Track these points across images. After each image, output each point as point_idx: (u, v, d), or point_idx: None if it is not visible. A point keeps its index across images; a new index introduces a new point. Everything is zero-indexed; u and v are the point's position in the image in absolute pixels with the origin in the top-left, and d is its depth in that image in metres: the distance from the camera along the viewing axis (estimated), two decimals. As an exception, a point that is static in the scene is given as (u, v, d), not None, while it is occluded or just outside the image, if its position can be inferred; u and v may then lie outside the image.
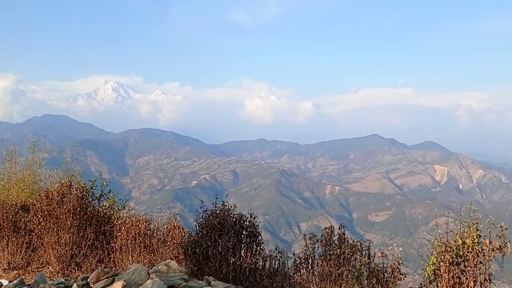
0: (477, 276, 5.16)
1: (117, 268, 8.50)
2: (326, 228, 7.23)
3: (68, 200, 9.27)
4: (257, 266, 7.57)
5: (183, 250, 7.99)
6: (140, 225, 8.76)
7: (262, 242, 7.78)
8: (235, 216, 7.61)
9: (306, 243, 7.23)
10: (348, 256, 6.80)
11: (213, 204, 7.78)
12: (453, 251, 5.26)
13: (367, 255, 6.79)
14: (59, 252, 8.98)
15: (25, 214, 10.19)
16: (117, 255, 8.70)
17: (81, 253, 9.07)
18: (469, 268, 5.16)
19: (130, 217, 9.21)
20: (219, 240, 7.35)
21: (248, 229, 7.61)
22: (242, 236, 7.57)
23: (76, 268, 8.97)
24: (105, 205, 10.57)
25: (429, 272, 5.49)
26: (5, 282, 6.94)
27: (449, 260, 5.22)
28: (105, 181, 10.94)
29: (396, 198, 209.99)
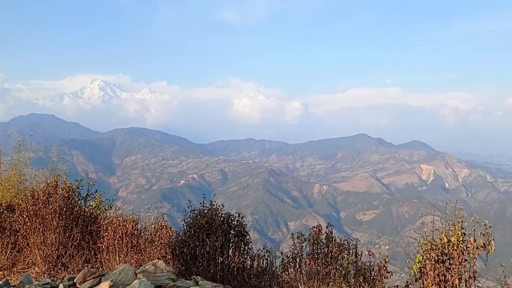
0: (462, 274, 5.22)
1: (104, 268, 8.43)
2: (314, 227, 7.26)
3: (54, 200, 9.17)
4: (245, 265, 7.57)
5: (170, 250, 7.96)
6: (127, 225, 8.70)
7: (250, 242, 7.78)
8: (223, 215, 7.60)
9: (294, 242, 7.25)
10: (336, 255, 6.84)
11: (201, 203, 7.75)
12: (439, 249, 5.32)
13: (354, 254, 6.84)
14: (45, 253, 8.88)
15: (11, 214, 10.05)
16: (104, 255, 8.64)
17: (68, 253, 8.97)
18: (454, 265, 5.22)
19: (117, 217, 9.15)
20: (207, 239, 7.33)
21: (236, 229, 7.60)
22: (230, 235, 7.57)
23: (63, 268, 8.88)
24: (92, 205, 10.48)
25: (415, 270, 5.54)
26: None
27: (434, 258, 5.28)
28: (91, 180, 10.83)
29: (383, 197, 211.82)
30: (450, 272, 5.25)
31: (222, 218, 7.55)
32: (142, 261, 8.30)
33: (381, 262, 6.27)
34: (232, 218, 7.63)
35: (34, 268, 9.04)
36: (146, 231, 9.44)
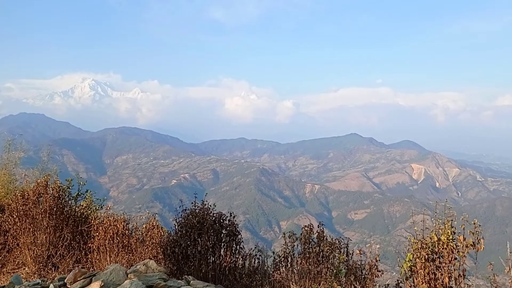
0: (452, 272, 5.26)
1: (95, 268, 8.39)
2: (305, 226, 7.28)
3: (44, 200, 9.11)
4: (237, 265, 7.58)
5: (162, 249, 7.94)
6: (118, 225, 8.67)
7: (242, 241, 7.79)
8: (215, 215, 7.60)
9: (286, 242, 7.26)
10: (327, 254, 6.86)
11: (192, 203, 7.74)
12: (429, 247, 5.36)
13: (345, 253, 6.86)
14: (35, 253, 8.82)
15: (0, 214, 9.97)
16: (95, 255, 8.60)
17: (58, 253, 8.91)
18: (444, 264, 5.26)
19: (108, 217, 9.11)
20: (199, 239, 7.33)
21: (228, 228, 7.61)
22: (222, 235, 7.57)
23: (53, 268, 8.82)
24: (82, 205, 10.42)
25: (406, 269, 5.58)
26: (-22, 284, 6.78)
27: (424, 256, 5.31)
28: (82, 180, 10.79)
29: (375, 197, 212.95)
30: (440, 270, 5.29)
31: (213, 218, 7.55)
32: (133, 261, 8.27)
33: (372, 261, 6.30)
34: (224, 218, 7.64)
35: (24, 269, 8.97)
36: (137, 231, 9.41)
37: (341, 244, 6.97)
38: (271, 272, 7.34)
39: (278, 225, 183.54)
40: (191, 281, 6.17)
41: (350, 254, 6.85)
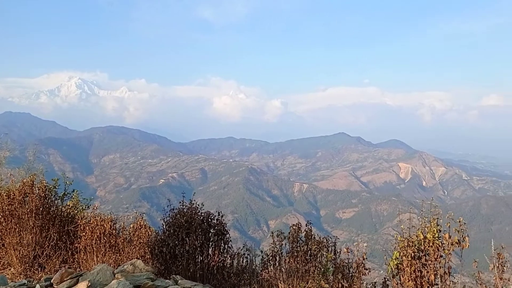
0: (438, 269, 5.33)
1: (82, 268, 8.33)
2: (293, 225, 7.30)
3: (30, 199, 9.00)
4: (225, 264, 7.58)
5: (149, 249, 7.90)
6: (105, 225, 8.61)
7: (230, 240, 7.79)
8: (203, 214, 7.58)
9: (274, 240, 7.28)
10: (315, 253, 6.89)
11: (180, 202, 7.72)
12: (415, 245, 5.42)
13: (333, 251, 6.90)
14: (21, 253, 8.71)
15: (-16, 215, 9.82)
16: (82, 256, 8.53)
17: (44, 253, 8.82)
18: (430, 261, 5.33)
19: (95, 217, 9.04)
20: (187, 238, 7.31)
21: (216, 227, 7.60)
22: (210, 234, 7.56)
23: (39, 269, 8.73)
24: (69, 205, 10.33)
25: (392, 267, 5.63)
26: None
27: (411, 254, 5.38)
28: (68, 180, 10.68)
29: (363, 195, 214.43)
30: (426, 268, 5.35)
31: (202, 217, 7.54)
32: (120, 261, 8.22)
33: (359, 259, 6.34)
34: (212, 217, 7.63)
35: (10, 269, 8.86)
36: (124, 230, 9.35)
37: (329, 242, 7.00)
38: (259, 271, 7.35)
39: (267, 224, 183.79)
40: (179, 281, 6.16)
41: (337, 252, 6.89)
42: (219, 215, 7.73)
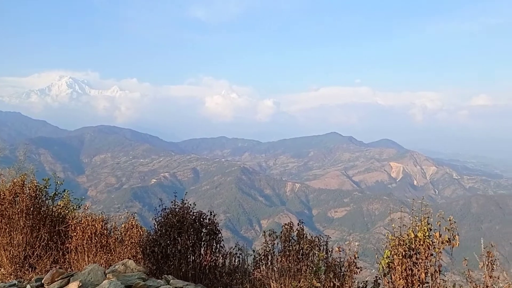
0: (428, 268, 5.37)
1: (73, 269, 8.28)
2: (285, 224, 7.31)
3: (20, 199, 8.95)
4: (217, 264, 7.58)
5: (141, 249, 7.88)
6: (96, 225, 8.57)
7: (222, 240, 7.79)
8: (195, 214, 7.58)
9: (266, 240, 7.29)
10: (307, 252, 6.91)
11: (172, 202, 7.71)
12: (406, 244, 5.46)
13: (325, 250, 6.93)
14: (11, 254, 8.65)
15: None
16: (73, 256, 8.48)
17: (35, 254, 8.77)
18: (420, 260, 5.37)
19: (86, 217, 8.99)
20: (179, 238, 7.30)
21: (208, 227, 7.60)
22: (202, 234, 7.56)
23: (30, 269, 8.68)
24: (60, 205, 10.26)
25: (384, 265, 5.67)
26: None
27: (402, 253, 5.42)
28: (59, 180, 10.61)
29: (354, 195, 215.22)
30: (417, 266, 5.40)
31: (194, 217, 7.53)
32: (112, 261, 8.19)
33: (350, 258, 6.37)
34: (204, 217, 7.62)
35: (0, 270, 8.79)
36: (116, 230, 9.32)
37: (321, 241, 7.02)
38: (251, 271, 7.36)
39: (259, 223, 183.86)
40: (171, 281, 6.15)
41: (329, 251, 6.92)
42: (211, 214, 7.73)
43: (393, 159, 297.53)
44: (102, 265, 7.70)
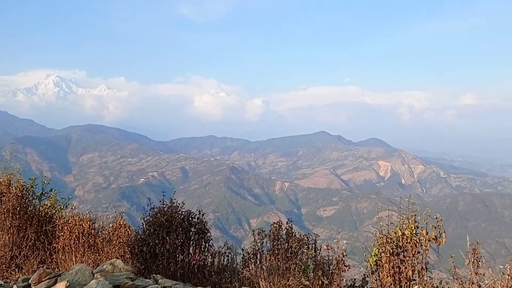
0: (415, 265, 5.44)
1: (60, 269, 8.21)
2: (274, 223, 7.33)
3: (7, 199, 8.85)
4: (206, 263, 7.57)
5: (129, 249, 7.84)
6: (83, 224, 8.50)
7: (211, 239, 7.78)
8: (183, 213, 7.56)
9: (255, 238, 7.30)
10: (296, 250, 6.94)
11: (160, 201, 7.68)
12: (393, 242, 5.52)
13: (313, 249, 6.96)
14: (-3, 254, 8.55)
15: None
16: (60, 256, 8.41)
17: (22, 254, 8.67)
18: (408, 257, 5.43)
19: (73, 216, 8.92)
20: (167, 237, 7.28)
21: (197, 226, 7.59)
22: (191, 233, 7.54)
23: (17, 269, 8.58)
24: (47, 204, 10.16)
25: (372, 263, 5.72)
26: None
27: (389, 250, 5.47)
28: (46, 179, 10.51)
29: (343, 193, 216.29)
30: (404, 264, 5.45)
31: (182, 216, 7.52)
32: (99, 261, 8.14)
33: (339, 256, 6.42)
34: (193, 216, 7.61)
35: (-15, 271, 8.67)
36: (104, 230, 9.26)
37: (309, 240, 7.06)
38: (240, 269, 7.37)
39: (248, 223, 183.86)
40: (159, 280, 6.13)
41: (318, 249, 6.96)
42: (200, 213, 7.72)
43: (381, 158, 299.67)
44: (90, 265, 7.65)
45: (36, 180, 9.90)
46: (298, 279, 6.32)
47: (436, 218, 5.43)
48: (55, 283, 5.59)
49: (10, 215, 8.71)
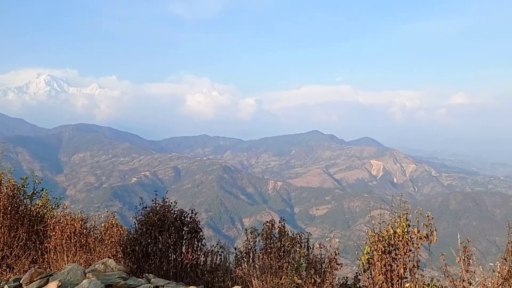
0: (407, 263, 5.47)
1: (52, 268, 8.16)
2: (267, 222, 7.35)
3: (-3, 199, 8.77)
4: (199, 262, 7.57)
5: (121, 248, 7.81)
6: (75, 224, 8.46)
7: (204, 238, 7.78)
8: (176, 212, 7.55)
9: (248, 237, 7.31)
10: (288, 249, 6.96)
11: (153, 200, 7.66)
12: (385, 240, 5.55)
13: (306, 247, 6.99)
14: (-13, 254, 8.47)
15: None
16: (52, 255, 8.36)
17: (13, 254, 8.60)
18: (399, 256, 5.47)
19: (65, 216, 8.87)
20: (160, 237, 7.26)
21: (189, 225, 7.58)
22: (183, 232, 7.54)
23: (8, 270, 8.51)
24: (38, 204, 10.10)
25: (364, 261, 5.76)
26: None
27: (381, 249, 5.50)
28: (37, 179, 10.45)
29: (336, 192, 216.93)
30: (396, 262, 5.49)
31: (175, 215, 7.50)
32: (91, 261, 8.10)
33: (331, 254, 6.44)
34: (185, 215, 7.60)
35: (-25, 271, 8.60)
36: (95, 230, 9.22)
37: (302, 238, 7.09)
38: (233, 268, 7.38)
39: (241, 222, 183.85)
40: (152, 279, 6.12)
41: (310, 248, 6.98)
42: (192, 212, 7.71)
43: (373, 157, 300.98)
44: (82, 265, 7.61)
45: (27, 180, 9.84)
46: (290, 277, 6.34)
47: (428, 216, 5.47)
48: (46, 282, 5.56)
49: (1, 214, 8.63)
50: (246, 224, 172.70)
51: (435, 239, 5.44)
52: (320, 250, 6.66)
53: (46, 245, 8.59)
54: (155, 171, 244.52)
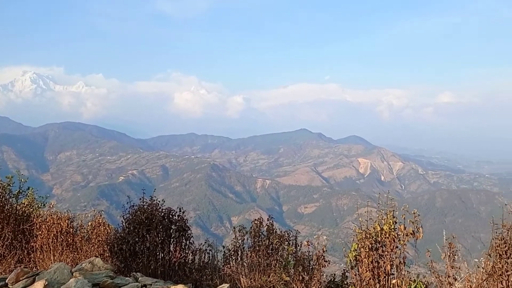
0: (394, 260, 5.53)
1: (38, 268, 8.08)
2: (255, 220, 7.36)
3: (-18, 198, 8.65)
4: (187, 260, 7.56)
5: (108, 247, 7.77)
6: (62, 223, 8.39)
7: (192, 236, 7.77)
8: (164, 210, 7.52)
9: (236, 236, 7.32)
10: (276, 246, 6.99)
11: (140, 199, 7.63)
12: (372, 237, 5.61)
13: (294, 245, 7.02)
14: (-28, 254, 8.35)
15: None
16: (38, 255, 8.28)
17: (-2, 254, 8.50)
18: (386, 252, 5.53)
19: (51, 215, 8.78)
20: (147, 235, 7.23)
21: (177, 224, 7.56)
22: (171, 230, 7.51)
23: (-8, 270, 8.41)
24: (24, 203, 9.98)
25: (351, 258, 5.80)
26: None
27: (368, 246, 5.56)
28: (23, 177, 10.32)
29: (324, 191, 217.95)
30: (382, 258, 5.55)
31: (162, 214, 7.48)
32: (78, 260, 8.05)
33: (319, 252, 6.49)
34: (173, 213, 7.58)
35: (-40, 271, 8.48)
36: (82, 229, 9.15)
37: (290, 236, 7.12)
38: (221, 266, 7.38)
39: (229, 220, 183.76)
40: (140, 278, 6.09)
41: (298, 246, 7.02)
42: (180, 211, 7.69)
43: (361, 155, 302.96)
44: (69, 264, 7.55)
45: (13, 179, 9.72)
46: (279, 275, 6.37)
47: (414, 213, 5.54)
48: (33, 282, 5.50)
49: (-14, 214, 8.53)
50: (234, 222, 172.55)
51: (421, 236, 5.51)
52: (308, 248, 6.70)
53: (32, 244, 8.51)
54: (142, 170, 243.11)
